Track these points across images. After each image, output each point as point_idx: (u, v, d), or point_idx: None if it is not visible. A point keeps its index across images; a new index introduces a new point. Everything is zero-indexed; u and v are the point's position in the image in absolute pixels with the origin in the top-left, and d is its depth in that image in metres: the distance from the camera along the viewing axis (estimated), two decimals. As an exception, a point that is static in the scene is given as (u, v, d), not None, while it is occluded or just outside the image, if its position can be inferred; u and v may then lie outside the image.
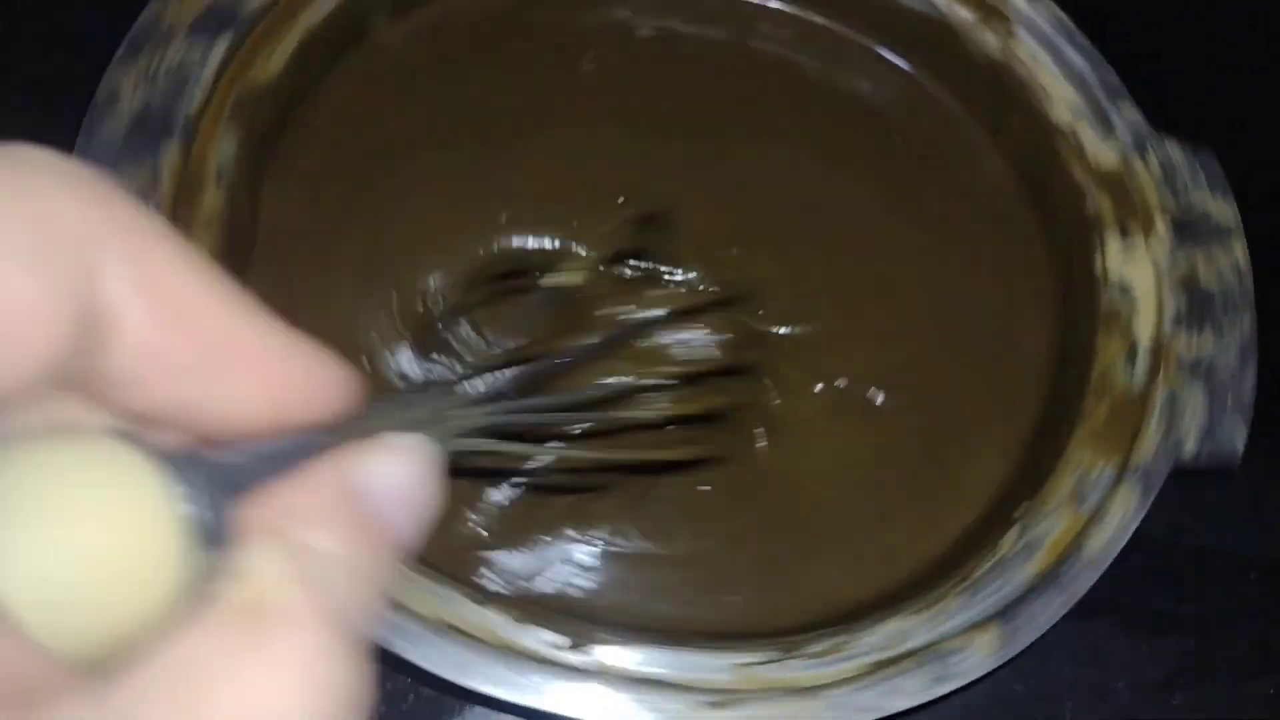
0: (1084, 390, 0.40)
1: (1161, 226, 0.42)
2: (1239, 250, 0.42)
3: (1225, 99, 0.53)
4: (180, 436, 0.16)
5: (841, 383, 0.42)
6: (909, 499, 0.41)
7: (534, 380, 0.38)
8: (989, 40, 0.44)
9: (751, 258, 0.43)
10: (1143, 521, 0.37)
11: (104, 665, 0.13)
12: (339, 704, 0.14)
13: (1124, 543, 0.36)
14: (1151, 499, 0.37)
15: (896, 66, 0.47)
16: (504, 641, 0.34)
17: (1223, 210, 0.42)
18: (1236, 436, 0.39)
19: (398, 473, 0.17)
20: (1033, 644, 0.38)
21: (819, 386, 0.42)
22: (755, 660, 0.34)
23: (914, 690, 0.34)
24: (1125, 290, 0.41)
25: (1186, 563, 0.45)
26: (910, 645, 0.35)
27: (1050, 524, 0.37)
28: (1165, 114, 0.44)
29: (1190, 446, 0.38)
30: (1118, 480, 0.38)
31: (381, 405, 0.18)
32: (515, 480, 0.39)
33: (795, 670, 0.34)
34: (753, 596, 0.39)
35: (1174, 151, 0.43)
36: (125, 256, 0.14)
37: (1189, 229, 0.42)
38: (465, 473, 0.38)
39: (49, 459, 0.13)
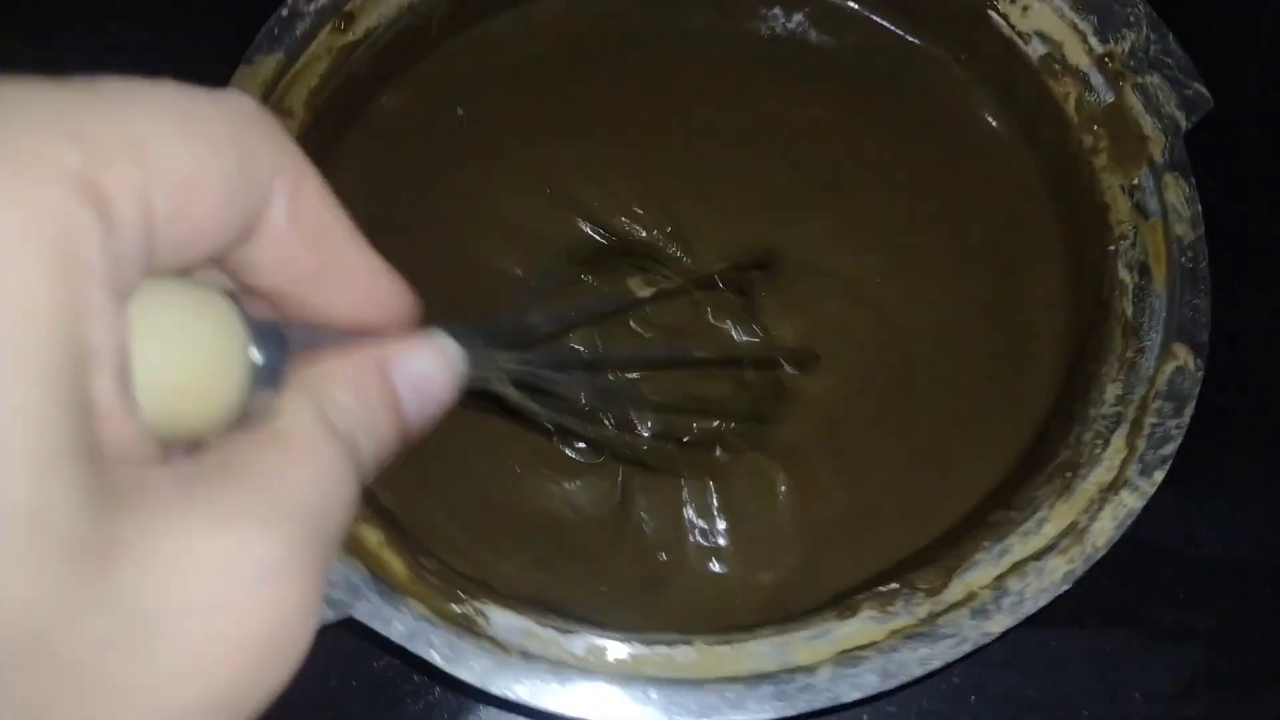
0: (1072, 130, 0.45)
1: (1035, -29, 0.46)
2: (1097, -46, 0.47)
3: None
4: (269, 308, 0.20)
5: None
6: (998, 326, 0.45)
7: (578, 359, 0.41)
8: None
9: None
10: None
11: (176, 450, 0.18)
12: (341, 497, 0.18)
13: (1202, 221, 0.41)
14: (1194, 181, 0.42)
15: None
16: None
17: (1066, -69, 0.47)
18: (1200, 86, 0.44)
19: (424, 365, 0.21)
20: (1048, 653, 0.43)
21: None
22: (1023, 550, 0.38)
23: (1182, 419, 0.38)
24: (1043, 36, 0.46)
25: (1201, 573, 0.46)
26: (1138, 396, 0.39)
27: (1140, 240, 0.42)
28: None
29: (1182, 120, 0.44)
30: (1158, 179, 0.43)
31: (433, 329, 0.22)
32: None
33: (1075, 501, 0.38)
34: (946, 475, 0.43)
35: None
36: (285, 185, 0.18)
37: (1053, -39, 0.47)
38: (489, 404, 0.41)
39: (179, 300, 0.18)
